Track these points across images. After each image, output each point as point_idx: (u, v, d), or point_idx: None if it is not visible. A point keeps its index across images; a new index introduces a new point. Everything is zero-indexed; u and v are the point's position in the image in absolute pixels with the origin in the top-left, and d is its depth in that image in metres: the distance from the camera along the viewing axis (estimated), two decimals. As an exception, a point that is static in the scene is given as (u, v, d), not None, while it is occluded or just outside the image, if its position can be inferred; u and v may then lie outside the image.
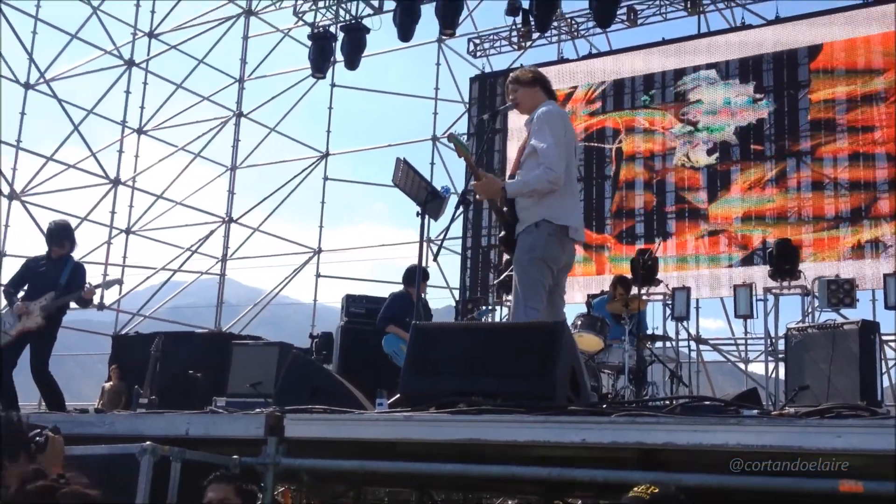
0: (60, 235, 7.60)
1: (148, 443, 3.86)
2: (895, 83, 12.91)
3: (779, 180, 13.52)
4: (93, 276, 8.06)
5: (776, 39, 14.01)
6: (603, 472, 3.53)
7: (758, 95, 13.98)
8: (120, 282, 9.78)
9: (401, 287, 9.38)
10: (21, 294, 7.45)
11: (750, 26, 14.58)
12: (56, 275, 7.38)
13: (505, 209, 5.21)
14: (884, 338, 10.42)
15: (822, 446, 3.10)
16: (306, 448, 4.18)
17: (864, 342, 6.68)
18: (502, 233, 5.31)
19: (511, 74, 5.60)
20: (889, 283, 11.23)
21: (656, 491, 2.98)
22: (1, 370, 7.26)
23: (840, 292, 11.07)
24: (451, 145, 5.31)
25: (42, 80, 16.47)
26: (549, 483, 3.75)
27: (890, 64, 13.00)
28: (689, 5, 15.29)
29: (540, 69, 5.69)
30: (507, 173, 5.37)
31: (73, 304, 7.61)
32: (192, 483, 3.87)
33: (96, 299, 8.62)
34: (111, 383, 11.98)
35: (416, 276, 8.85)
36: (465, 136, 16.39)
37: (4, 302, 7.60)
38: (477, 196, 5.40)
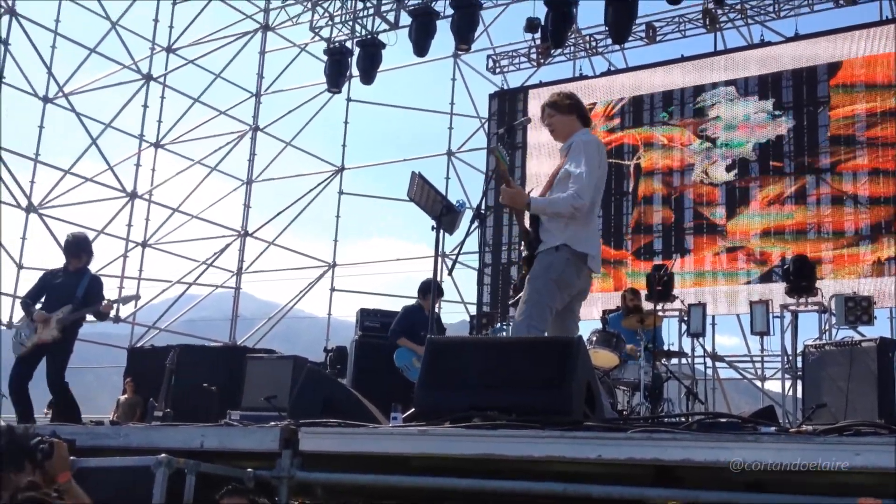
0: (78, 248, 7.64)
1: (163, 455, 3.86)
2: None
3: (798, 196, 13.46)
4: (109, 289, 8.13)
5: (795, 56, 13.99)
6: (619, 488, 3.50)
7: (777, 112, 13.94)
8: (137, 297, 9.82)
9: (415, 300, 9.37)
10: (38, 306, 7.48)
11: (769, 43, 14.56)
12: (73, 287, 7.41)
13: (530, 228, 5.18)
14: (902, 356, 10.31)
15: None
16: (320, 462, 4.17)
17: (882, 360, 6.62)
18: (525, 252, 5.28)
19: (549, 98, 5.56)
20: (908, 301, 11.15)
21: None
22: (19, 381, 7.29)
23: (858, 309, 10.97)
24: (493, 154, 5.33)
25: (61, 93, 16.59)
26: (564, 499, 3.71)
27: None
28: (707, 22, 15.29)
29: (559, 85, 5.66)
30: (537, 193, 5.34)
31: (89, 317, 7.64)
32: (206, 495, 3.87)
33: (113, 313, 8.65)
34: (126, 396, 12.00)
35: (427, 288, 8.88)
36: (483, 155, 16.53)
37: (22, 314, 7.64)
38: (501, 201, 5.38)
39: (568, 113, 5.34)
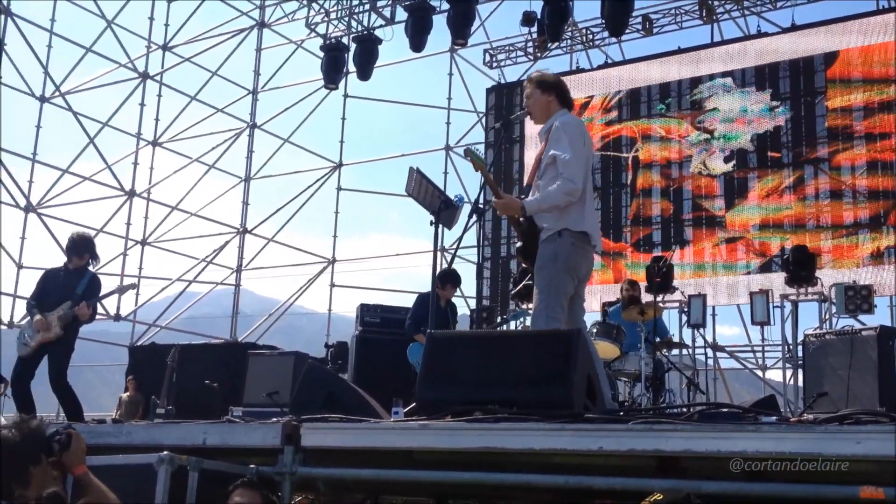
0: (81, 247, 7.64)
1: (165, 452, 3.86)
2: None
3: (796, 187, 13.46)
4: (109, 287, 8.11)
5: (792, 47, 13.97)
6: (621, 479, 3.51)
7: (774, 103, 13.93)
8: (134, 286, 9.79)
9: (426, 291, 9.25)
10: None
11: (766, 34, 14.54)
12: (73, 286, 7.41)
13: (522, 219, 5.19)
14: (902, 344, 10.31)
15: (841, 452, 3.07)
16: (322, 457, 4.18)
17: (883, 348, 6.63)
18: (519, 243, 5.29)
19: (532, 73, 5.56)
20: (907, 289, 11.15)
21: (660, 498, 2.98)
22: (21, 380, 7.30)
23: (857, 298, 10.99)
24: (468, 158, 5.28)
25: (57, 93, 16.59)
26: (566, 491, 3.72)
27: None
28: (704, 14, 15.28)
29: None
30: (524, 181, 5.36)
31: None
32: (209, 492, 3.87)
33: (112, 308, 8.65)
34: (128, 394, 12.02)
35: (447, 278, 8.86)
36: (482, 150, 16.44)
37: (24, 313, 7.64)
38: (498, 214, 5.40)
39: (546, 91, 5.30)
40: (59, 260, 7.89)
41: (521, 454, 3.69)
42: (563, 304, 4.97)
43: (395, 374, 8.51)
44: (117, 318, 16.33)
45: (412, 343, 8.62)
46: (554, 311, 4.92)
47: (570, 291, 5.05)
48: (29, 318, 7.51)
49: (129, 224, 17.13)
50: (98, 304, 7.81)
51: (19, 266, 15.38)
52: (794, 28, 14.21)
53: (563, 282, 5.01)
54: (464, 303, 17.00)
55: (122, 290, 8.99)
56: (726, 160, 14.15)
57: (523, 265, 5.33)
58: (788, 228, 13.38)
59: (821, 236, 13.06)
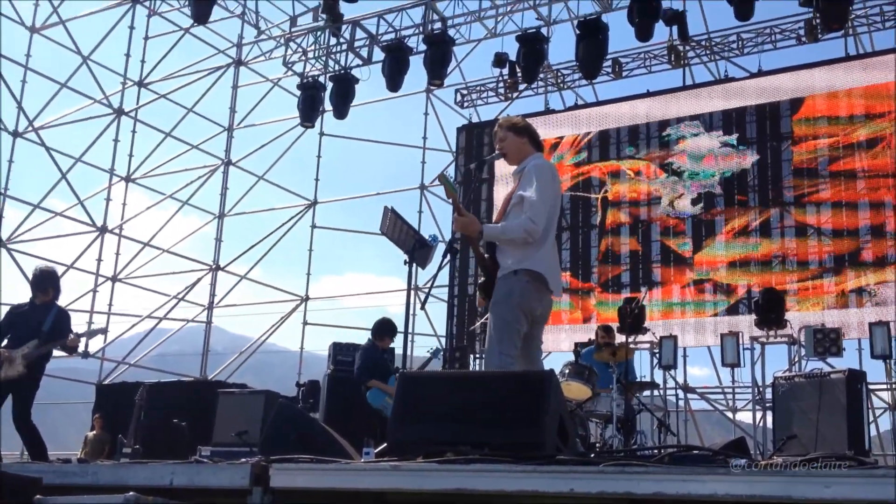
0: (45, 282, 7.57)
1: (131, 493, 3.80)
2: (878, 133, 13.09)
3: (763, 229, 13.64)
4: (77, 323, 8.04)
5: (759, 91, 14.23)
6: (592, 522, 3.51)
7: (741, 146, 14.15)
8: (105, 331, 9.70)
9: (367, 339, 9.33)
10: (4, 343, 7.38)
11: (733, 79, 14.81)
12: (39, 322, 7.33)
13: (487, 255, 5.22)
14: (870, 387, 10.44)
15: (810, 496, 3.09)
16: (292, 498, 4.13)
17: (851, 391, 6.71)
18: (482, 279, 5.32)
19: (502, 118, 5.63)
20: (875, 333, 11.29)
21: None
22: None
23: (826, 341, 11.11)
24: (441, 188, 5.33)
25: (31, 128, 16.50)
26: (537, 533, 3.71)
27: (872, 114, 13.20)
28: (673, 58, 15.53)
29: (527, 118, 5.70)
30: (493, 219, 5.39)
31: (56, 352, 7.54)
32: (176, 534, 3.82)
33: (81, 347, 8.56)
34: (94, 432, 11.87)
35: (384, 330, 8.98)
36: (456, 181, 16.45)
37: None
38: (455, 230, 5.41)
39: (520, 134, 5.37)
40: (28, 296, 7.79)
41: (493, 496, 3.68)
42: (515, 342, 4.97)
43: (366, 414, 8.47)
44: (85, 355, 16.10)
45: (369, 390, 8.60)
46: (506, 347, 4.93)
47: (523, 329, 5.05)
48: None
49: (99, 260, 16.96)
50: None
51: (-14, 301, 15.17)
52: (760, 73, 14.48)
53: (516, 319, 5.01)
54: (437, 342, 17.03)
55: (90, 333, 8.88)
56: (694, 202, 14.33)
57: (482, 300, 5.34)
58: (755, 270, 13.54)
59: (786, 278, 13.23)
